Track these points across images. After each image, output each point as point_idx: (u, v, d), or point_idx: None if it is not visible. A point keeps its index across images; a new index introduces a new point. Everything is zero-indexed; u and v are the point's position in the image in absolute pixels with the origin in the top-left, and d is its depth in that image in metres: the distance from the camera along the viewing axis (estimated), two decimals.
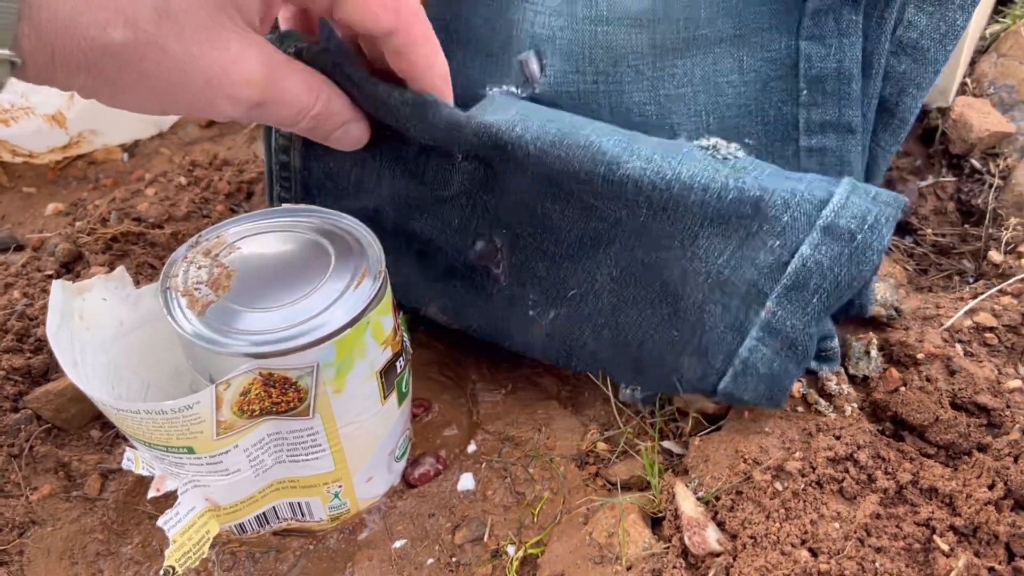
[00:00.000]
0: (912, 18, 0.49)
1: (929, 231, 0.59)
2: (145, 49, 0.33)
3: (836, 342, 0.45)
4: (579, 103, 0.49)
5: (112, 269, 0.53)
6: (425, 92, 0.43)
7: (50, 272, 0.52)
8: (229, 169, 0.61)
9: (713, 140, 0.43)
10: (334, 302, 0.39)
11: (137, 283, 0.53)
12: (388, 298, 0.41)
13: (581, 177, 0.42)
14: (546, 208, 0.46)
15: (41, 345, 0.49)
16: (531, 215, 0.46)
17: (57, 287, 0.40)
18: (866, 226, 0.38)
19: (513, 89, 0.50)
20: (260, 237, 0.43)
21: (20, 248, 0.57)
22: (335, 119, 0.43)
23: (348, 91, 0.45)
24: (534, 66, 0.49)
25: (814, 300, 0.39)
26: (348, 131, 0.44)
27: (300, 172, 0.51)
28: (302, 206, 0.45)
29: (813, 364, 0.44)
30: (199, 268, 0.41)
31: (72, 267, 0.54)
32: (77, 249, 0.53)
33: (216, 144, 0.68)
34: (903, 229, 0.60)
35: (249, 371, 0.37)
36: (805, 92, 0.49)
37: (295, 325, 0.38)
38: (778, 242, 0.39)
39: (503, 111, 0.44)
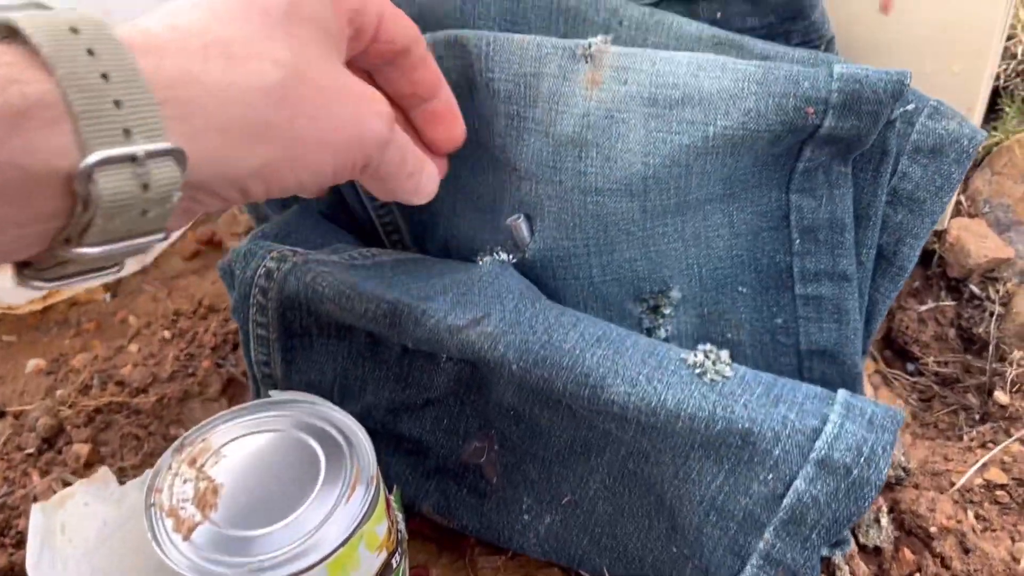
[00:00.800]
0: (907, 170, 0.48)
1: (931, 359, 0.58)
2: (298, 78, 0.33)
3: (848, 533, 0.44)
4: (569, 266, 0.48)
5: (95, 444, 0.52)
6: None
7: (31, 450, 0.51)
8: (214, 319, 0.60)
9: (700, 355, 0.42)
10: (325, 519, 0.38)
11: (122, 457, 0.52)
12: (381, 504, 0.40)
13: (566, 397, 0.41)
14: (534, 414, 0.45)
15: (23, 539, 0.47)
16: (519, 419, 0.45)
17: (36, 512, 0.39)
18: (862, 459, 0.37)
19: (503, 256, 0.49)
20: (246, 440, 0.41)
21: (1, 415, 0.55)
22: (419, 161, 0.42)
23: (326, 308, 0.45)
24: (524, 231, 0.48)
25: (812, 536, 0.38)
26: (431, 174, 0.43)
27: (282, 383, 0.50)
28: (289, 395, 0.44)
29: (825, 551, 0.43)
30: (184, 482, 0.39)
31: (54, 443, 0.52)
32: (59, 423, 0.52)
33: (201, 278, 0.67)
34: (904, 356, 0.59)
35: None
36: (798, 242, 0.48)
37: (285, 549, 0.37)
38: (771, 475, 0.38)
39: (486, 314, 0.43)
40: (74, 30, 0.26)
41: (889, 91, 0.42)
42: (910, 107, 0.48)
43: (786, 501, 0.38)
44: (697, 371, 0.41)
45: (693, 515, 0.40)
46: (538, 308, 0.44)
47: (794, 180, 0.47)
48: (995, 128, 0.65)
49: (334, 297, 0.44)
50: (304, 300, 0.46)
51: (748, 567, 0.39)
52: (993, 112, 0.68)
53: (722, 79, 0.43)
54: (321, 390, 0.48)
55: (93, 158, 0.26)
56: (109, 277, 0.32)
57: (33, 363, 0.59)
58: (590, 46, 0.45)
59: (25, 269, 0.29)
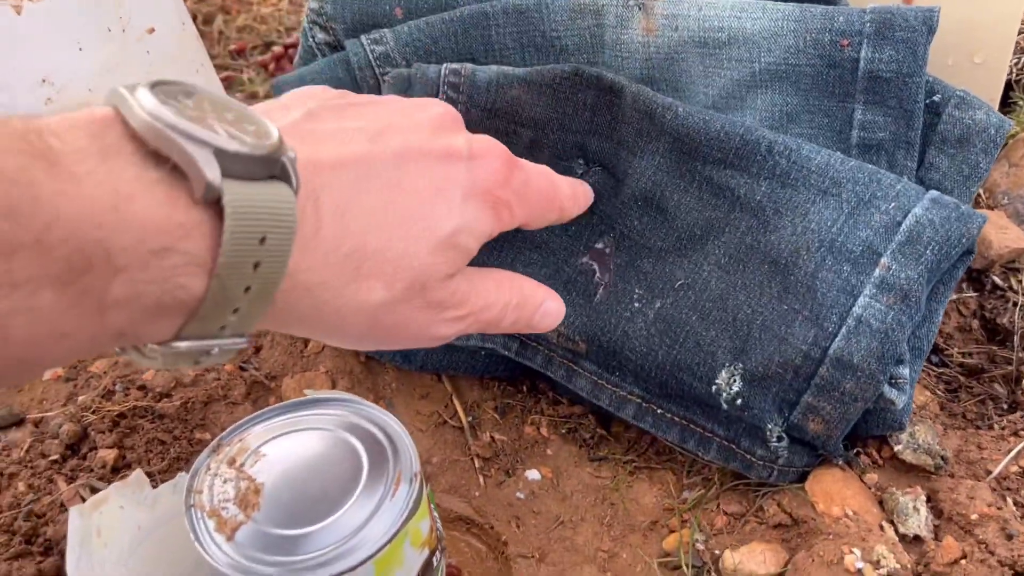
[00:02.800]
0: (934, 160, 0.48)
1: (955, 351, 0.58)
2: (395, 304, 0.32)
3: (907, 371, 0.45)
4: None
5: (120, 449, 0.51)
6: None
7: (55, 457, 0.50)
8: None
9: None
10: (370, 517, 0.37)
11: (148, 462, 0.51)
12: (424, 501, 0.39)
13: (720, 137, 0.45)
14: (664, 197, 0.47)
15: (51, 546, 0.46)
16: (647, 206, 0.48)
17: (74, 515, 0.38)
18: (964, 205, 0.43)
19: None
20: (285, 439, 0.41)
21: (20, 422, 0.55)
22: (532, 302, 0.41)
23: (514, 92, 0.48)
24: None
25: (927, 252, 0.42)
26: (548, 309, 0.41)
27: None
28: (325, 394, 0.43)
29: (884, 389, 0.44)
30: (225, 482, 0.39)
31: (78, 449, 0.51)
32: (82, 429, 0.51)
33: None
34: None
35: None
36: None
37: (331, 548, 0.36)
38: (892, 204, 0.43)
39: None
40: (263, 240, 0.25)
41: (920, 18, 0.46)
42: (936, 98, 0.48)
43: (905, 225, 0.43)
44: None
45: (809, 264, 0.44)
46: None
47: (853, 158, 0.47)
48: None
49: (525, 75, 0.47)
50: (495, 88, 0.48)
51: (861, 298, 0.42)
52: (1006, 105, 0.68)
53: (762, 20, 0.48)
54: None
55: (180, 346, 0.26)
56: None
57: (50, 371, 0.58)
58: None
59: None
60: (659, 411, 0.49)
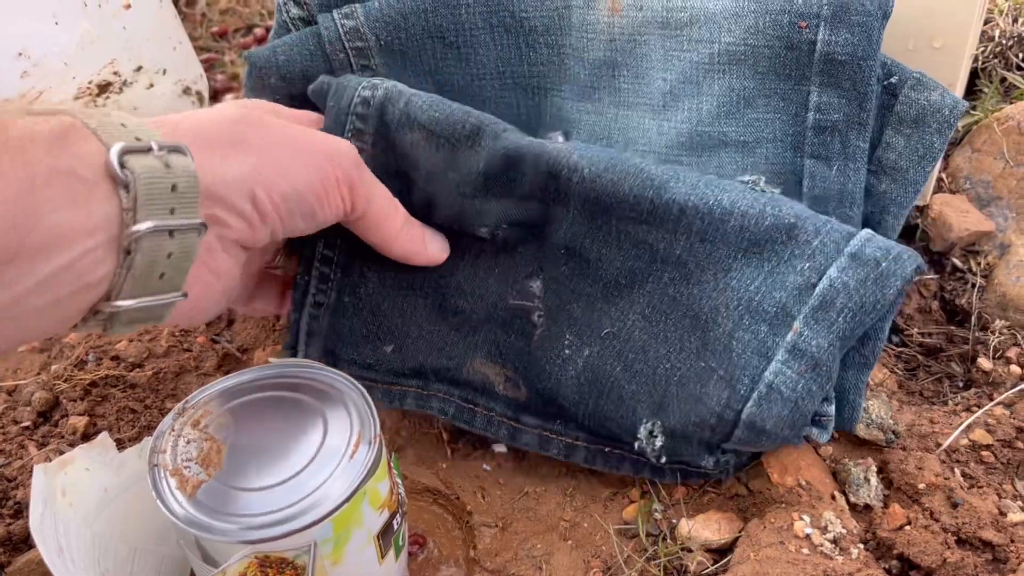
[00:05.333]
0: (890, 140, 0.49)
1: (915, 331, 0.59)
2: (259, 117, 0.41)
3: (833, 408, 0.45)
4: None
5: (91, 417, 0.52)
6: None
7: (27, 424, 0.51)
8: None
9: (754, 176, 0.47)
10: (329, 476, 0.38)
11: (119, 430, 0.52)
12: (383, 463, 0.40)
13: (630, 200, 0.44)
14: (584, 247, 0.47)
15: (20, 508, 0.47)
16: (570, 256, 0.48)
17: (39, 473, 0.39)
18: (890, 256, 0.42)
19: None
20: (249, 403, 0.42)
21: None
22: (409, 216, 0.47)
23: (415, 137, 0.47)
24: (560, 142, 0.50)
25: (839, 320, 0.41)
26: (435, 238, 0.48)
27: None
28: (289, 362, 0.44)
29: (808, 430, 0.45)
30: (188, 442, 0.40)
31: (49, 416, 0.52)
32: (54, 397, 0.52)
33: None
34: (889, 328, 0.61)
35: (245, 556, 0.36)
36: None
37: (290, 505, 0.37)
38: (808, 264, 0.42)
39: (557, 146, 0.47)
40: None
41: (876, 3, 0.46)
42: (894, 79, 0.50)
43: (819, 288, 0.42)
44: (750, 186, 0.46)
45: (727, 322, 0.43)
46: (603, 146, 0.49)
47: (808, 140, 0.48)
48: (974, 107, 0.66)
49: (426, 122, 0.46)
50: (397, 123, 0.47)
51: (773, 363, 0.42)
52: (972, 93, 0.69)
53: (724, 0, 0.48)
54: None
55: (117, 148, 0.32)
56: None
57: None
58: None
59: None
60: (607, 450, 0.50)
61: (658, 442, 0.46)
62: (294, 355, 0.52)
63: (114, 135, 0.33)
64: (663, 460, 0.46)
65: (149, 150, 0.33)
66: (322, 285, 0.50)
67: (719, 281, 0.44)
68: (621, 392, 0.47)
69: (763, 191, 0.46)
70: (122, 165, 0.32)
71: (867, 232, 0.43)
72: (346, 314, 0.50)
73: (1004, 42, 0.70)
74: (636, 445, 0.47)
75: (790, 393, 0.42)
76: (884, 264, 0.41)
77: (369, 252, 0.48)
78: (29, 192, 0.29)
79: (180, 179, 0.34)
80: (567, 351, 0.48)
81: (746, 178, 0.48)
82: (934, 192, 0.62)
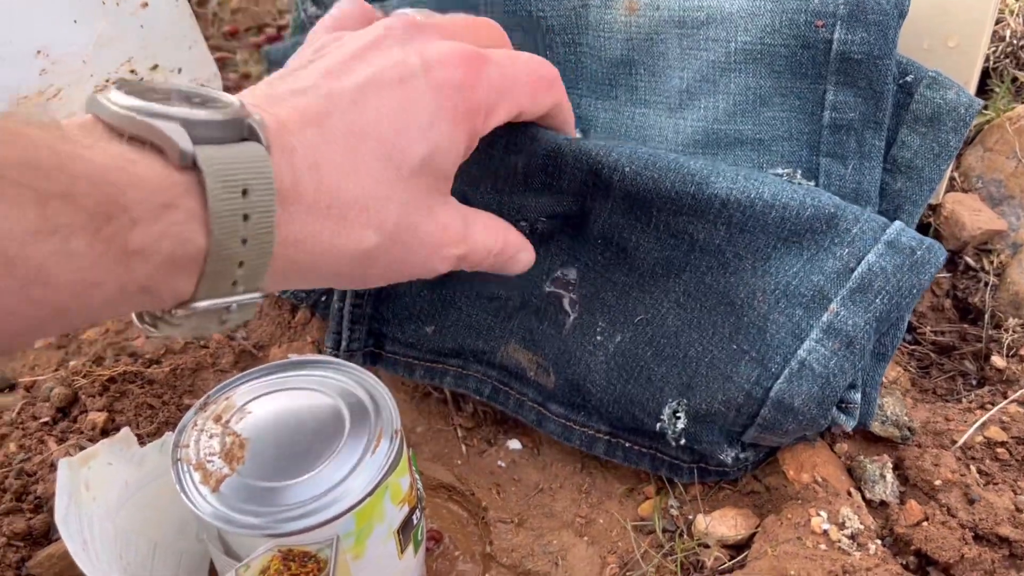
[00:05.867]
0: (905, 139, 0.50)
1: (928, 329, 0.59)
2: (391, 241, 0.35)
3: (859, 396, 0.46)
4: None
5: (110, 412, 0.52)
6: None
7: (46, 419, 0.51)
8: None
9: (788, 170, 0.48)
10: (352, 471, 0.38)
11: (137, 425, 0.52)
12: (405, 458, 0.41)
13: (671, 196, 0.44)
14: (623, 238, 0.47)
15: (41, 503, 0.47)
16: (607, 245, 0.48)
17: (63, 466, 0.39)
18: (924, 246, 0.43)
19: None
20: (270, 398, 0.42)
21: (12, 387, 0.56)
22: (510, 250, 0.44)
23: None
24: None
25: (876, 301, 0.42)
26: (519, 259, 0.45)
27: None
28: (310, 358, 0.44)
29: (833, 412, 0.45)
30: (211, 437, 0.40)
31: (68, 411, 0.52)
32: (73, 393, 0.52)
33: None
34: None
35: (268, 550, 0.36)
36: None
37: (313, 499, 0.37)
38: (847, 251, 0.43)
39: (595, 144, 0.46)
40: (245, 192, 0.28)
41: (892, 2, 0.46)
42: (909, 78, 0.50)
43: (857, 272, 0.43)
44: (786, 179, 0.47)
45: (762, 306, 0.44)
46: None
47: (824, 138, 0.48)
48: (986, 107, 0.67)
49: None
50: None
51: (806, 342, 0.43)
52: (983, 92, 0.70)
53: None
54: None
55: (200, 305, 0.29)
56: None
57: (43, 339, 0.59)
58: None
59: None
60: (627, 444, 0.50)
61: (680, 424, 0.46)
62: (338, 340, 0.55)
63: (213, 287, 0.29)
64: (682, 442, 0.47)
65: (227, 309, 0.31)
66: None
67: (757, 268, 0.44)
68: (650, 375, 0.47)
69: (800, 183, 0.46)
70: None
71: (900, 223, 0.44)
72: (389, 300, 0.53)
73: (1015, 42, 0.70)
74: (658, 426, 0.47)
75: (821, 369, 0.43)
76: (919, 252, 0.43)
77: None
78: None
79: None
80: (599, 337, 0.49)
81: (780, 171, 0.48)
82: (946, 191, 0.63)
